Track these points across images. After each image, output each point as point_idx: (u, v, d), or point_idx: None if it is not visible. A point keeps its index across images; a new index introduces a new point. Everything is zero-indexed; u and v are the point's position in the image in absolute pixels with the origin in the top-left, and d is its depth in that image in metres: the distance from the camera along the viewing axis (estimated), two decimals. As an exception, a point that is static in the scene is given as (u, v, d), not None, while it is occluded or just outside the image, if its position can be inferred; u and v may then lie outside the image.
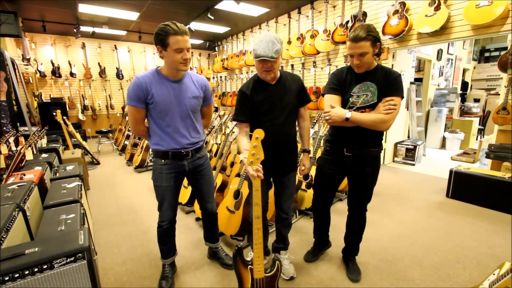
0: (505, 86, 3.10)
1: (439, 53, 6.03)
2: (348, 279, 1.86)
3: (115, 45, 8.07)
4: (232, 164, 3.01)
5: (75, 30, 6.25)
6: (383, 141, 1.74)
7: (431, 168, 4.52)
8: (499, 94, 6.60)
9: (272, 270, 1.47)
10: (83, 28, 6.47)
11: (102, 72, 7.93)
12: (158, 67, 1.60)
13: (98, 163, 5.22)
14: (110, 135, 7.39)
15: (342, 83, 1.66)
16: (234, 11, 5.65)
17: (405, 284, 1.81)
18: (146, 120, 1.67)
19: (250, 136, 1.34)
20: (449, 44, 6.18)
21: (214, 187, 2.09)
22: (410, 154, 4.73)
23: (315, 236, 2.10)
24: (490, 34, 3.33)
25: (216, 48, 8.71)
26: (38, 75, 7.01)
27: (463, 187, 3.15)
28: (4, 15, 4.32)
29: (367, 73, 1.61)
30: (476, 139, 6.18)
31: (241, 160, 2.82)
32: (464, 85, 7.57)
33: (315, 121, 3.11)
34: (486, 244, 2.27)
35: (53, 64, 7.17)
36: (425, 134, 5.98)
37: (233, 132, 3.22)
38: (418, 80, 5.95)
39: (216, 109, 6.89)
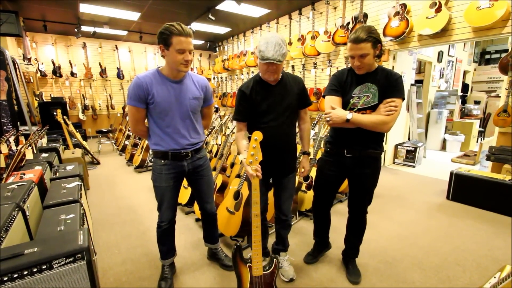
0: (506, 89, 3.10)
1: (440, 55, 6.03)
2: (348, 281, 1.86)
3: (116, 45, 8.08)
4: (232, 165, 3.01)
5: (76, 30, 6.25)
6: (383, 143, 1.73)
7: (432, 170, 4.51)
8: (499, 96, 6.59)
9: (270, 267, 1.48)
10: (84, 28, 6.48)
11: (102, 72, 7.93)
12: (159, 67, 1.60)
13: (98, 163, 5.21)
14: (111, 135, 7.40)
15: (343, 85, 1.66)
16: (235, 12, 5.65)
17: (405, 286, 1.81)
18: (146, 120, 1.67)
19: (249, 138, 1.35)
20: (449, 46, 6.18)
21: (213, 188, 2.08)
22: (411, 156, 4.73)
23: (315, 237, 2.10)
24: (491, 36, 3.33)
25: (217, 48, 8.72)
26: (38, 74, 7.01)
27: (463, 189, 3.14)
28: (5, 15, 4.33)
29: (368, 75, 1.61)
30: (477, 141, 6.18)
31: (240, 161, 2.82)
32: (465, 87, 7.57)
33: (315, 122, 3.11)
34: (486, 246, 2.26)
35: (54, 63, 7.18)
36: (426, 136, 5.98)
37: (233, 133, 3.22)
38: (419, 82, 5.96)
39: (217, 110, 6.88)
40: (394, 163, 4.96)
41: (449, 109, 6.11)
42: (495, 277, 1.35)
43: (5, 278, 1.06)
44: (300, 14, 5.40)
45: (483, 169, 3.90)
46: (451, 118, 6.19)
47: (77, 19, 6.05)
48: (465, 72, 7.48)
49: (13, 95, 4.18)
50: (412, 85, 5.20)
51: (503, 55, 3.17)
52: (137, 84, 1.51)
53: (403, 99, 1.57)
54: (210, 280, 1.89)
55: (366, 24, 3.68)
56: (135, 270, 2.00)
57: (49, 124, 5.06)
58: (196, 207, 2.70)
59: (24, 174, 2.15)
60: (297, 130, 1.83)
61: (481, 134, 6.47)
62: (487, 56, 7.97)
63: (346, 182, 1.89)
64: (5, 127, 3.75)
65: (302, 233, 2.49)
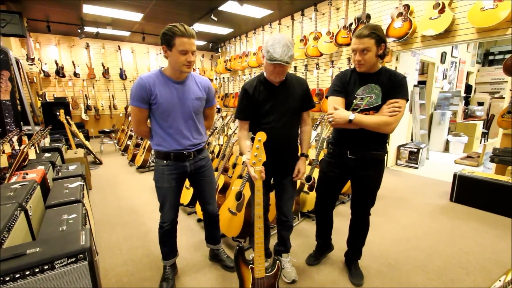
0: (510, 90, 3.07)
1: (443, 56, 6.00)
2: (350, 283, 1.84)
3: (118, 46, 8.11)
4: (234, 166, 3.00)
5: (79, 31, 6.28)
6: (386, 144, 1.72)
7: (435, 172, 4.48)
8: (503, 98, 6.56)
9: (273, 269, 1.48)
10: (87, 29, 6.51)
11: (105, 73, 7.96)
12: (162, 67, 1.60)
13: (101, 163, 5.23)
14: (113, 135, 7.41)
15: (346, 85, 1.65)
16: (237, 13, 5.66)
17: (408, 289, 1.79)
18: (148, 121, 1.67)
19: (252, 139, 1.34)
20: (453, 47, 6.15)
21: (215, 189, 2.08)
22: (413, 157, 4.70)
23: (318, 239, 2.08)
24: (495, 37, 3.30)
25: (219, 49, 8.73)
26: (42, 75, 7.05)
27: (467, 191, 3.12)
28: (9, 15, 4.36)
29: (371, 75, 1.60)
30: (480, 143, 6.14)
31: (243, 161, 2.81)
32: (468, 88, 7.52)
33: (317, 123, 3.10)
34: (490, 249, 2.24)
35: (57, 64, 7.22)
36: (429, 137, 5.94)
37: (235, 134, 3.21)
38: (422, 83, 5.92)
39: (219, 110, 6.89)
40: (396, 164, 4.93)
41: (452, 110, 6.07)
42: (500, 281, 1.33)
43: (7, 278, 1.05)
44: (302, 15, 5.39)
45: (486, 171, 3.87)
46: (454, 120, 6.16)
47: (80, 20, 6.08)
48: (468, 73, 7.44)
49: (17, 95, 4.20)
50: (415, 86, 5.17)
51: (507, 56, 3.15)
52: (140, 84, 1.51)
53: (407, 100, 1.56)
54: (211, 281, 1.89)
55: (369, 25, 3.67)
56: (137, 271, 2.00)
57: (52, 124, 5.07)
58: (198, 207, 2.70)
59: (27, 174, 2.16)
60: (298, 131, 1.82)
61: (485, 135, 6.42)
62: (491, 57, 7.92)
63: (348, 183, 1.88)
64: (8, 127, 3.77)
65: (304, 234, 2.48)
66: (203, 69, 9.36)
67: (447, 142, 5.90)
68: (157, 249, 1.89)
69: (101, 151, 6.13)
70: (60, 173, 2.61)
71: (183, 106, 1.61)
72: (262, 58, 6.22)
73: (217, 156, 3.34)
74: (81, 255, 1.19)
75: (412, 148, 4.72)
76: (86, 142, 5.29)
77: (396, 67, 4.33)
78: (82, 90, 7.79)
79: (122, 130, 6.71)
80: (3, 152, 2.61)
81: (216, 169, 2.89)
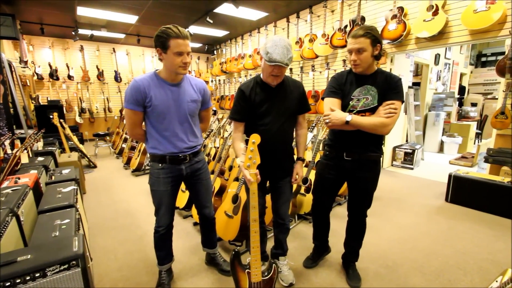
0: (503, 91, 3.11)
1: (437, 58, 6.07)
2: (348, 286, 1.83)
3: (113, 48, 8.06)
4: (231, 168, 2.99)
5: (73, 33, 6.23)
6: (382, 146, 1.72)
7: (430, 172, 4.51)
8: (496, 99, 6.64)
9: (269, 273, 1.46)
10: (81, 31, 6.46)
11: (100, 75, 7.90)
12: (157, 70, 1.58)
13: (95, 167, 5.17)
14: (108, 138, 7.35)
15: (342, 87, 1.65)
16: (233, 15, 5.66)
17: (406, 291, 1.79)
18: (143, 124, 1.65)
19: (246, 141, 1.33)
20: (446, 48, 6.23)
21: (212, 192, 2.06)
22: (409, 158, 4.73)
23: (315, 241, 2.07)
24: (488, 39, 3.35)
25: (215, 51, 8.73)
26: (35, 77, 6.98)
27: (462, 191, 3.14)
28: (2, 18, 4.30)
29: (367, 77, 1.60)
30: (474, 143, 6.20)
31: (238, 165, 2.80)
32: (461, 90, 7.61)
33: (314, 125, 3.10)
34: (487, 249, 2.25)
35: (50, 66, 7.15)
36: (423, 138, 5.99)
37: (232, 136, 3.20)
38: (416, 84, 5.97)
39: (215, 113, 6.87)
40: (392, 165, 4.95)
41: (447, 111, 6.13)
42: (496, 281, 1.33)
43: (-3, 287, 1.02)
44: (298, 17, 5.41)
45: (481, 171, 3.91)
46: (449, 120, 6.22)
47: (74, 22, 6.04)
48: (461, 75, 7.53)
49: (9, 98, 4.14)
50: (409, 87, 5.21)
51: (499, 57, 3.20)
52: (135, 87, 1.49)
53: (403, 101, 1.57)
54: (208, 285, 1.86)
55: (363, 27, 3.70)
56: (132, 276, 1.97)
57: (45, 128, 5.02)
58: (194, 211, 2.67)
59: (19, 178, 2.11)
60: (294, 135, 1.82)
61: (478, 136, 6.49)
62: (483, 59, 8.03)
63: (345, 185, 1.87)
64: (0, 131, 3.71)
65: (301, 236, 2.47)
66: (199, 71, 9.34)
67: (442, 142, 5.95)
68: (153, 253, 1.86)
69: (96, 154, 6.06)
70: (53, 177, 2.57)
71: (178, 109, 1.59)
72: (260, 60, 6.23)
73: (213, 158, 3.32)
74: (73, 262, 1.17)
75: (407, 149, 4.75)
76: (80, 146, 5.23)
77: (390, 69, 4.36)
78: (76, 93, 7.72)
79: (117, 133, 6.65)
80: (-5, 156, 2.56)
81: (212, 172, 2.87)
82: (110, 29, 6.65)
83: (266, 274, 1.46)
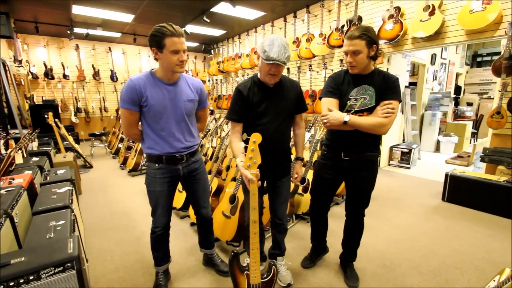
0: (499, 91, 3.13)
1: (433, 58, 6.10)
2: (346, 286, 1.83)
3: (109, 47, 8.00)
4: (228, 168, 2.97)
5: (68, 32, 6.17)
6: (380, 145, 1.72)
7: (426, 172, 4.54)
8: (491, 98, 6.70)
9: (268, 275, 1.45)
10: (76, 30, 6.40)
11: (96, 74, 7.84)
12: (153, 69, 1.57)
13: (91, 167, 5.13)
14: (104, 138, 7.29)
15: (339, 87, 1.65)
16: (230, 14, 5.64)
17: (404, 290, 1.79)
18: (140, 124, 1.63)
19: (246, 140, 1.31)
20: (442, 48, 6.26)
21: (209, 192, 2.05)
22: (406, 157, 4.75)
23: (313, 241, 2.07)
24: (484, 39, 3.37)
25: (212, 51, 8.70)
26: (30, 77, 6.89)
27: (458, 190, 3.16)
28: (-5, 16, 4.24)
29: (364, 77, 1.60)
30: (470, 143, 6.25)
31: (236, 164, 2.79)
32: (457, 89, 7.67)
33: (311, 124, 3.09)
34: (483, 248, 2.26)
35: (45, 65, 7.07)
36: (420, 138, 6.03)
37: (229, 136, 3.18)
38: (413, 84, 6.01)
39: (212, 112, 6.84)
40: (389, 164, 4.97)
41: (443, 111, 6.17)
42: (494, 280, 1.34)
43: (-10, 290, 1.00)
44: (295, 17, 5.41)
45: (477, 170, 3.93)
46: (445, 120, 6.25)
47: (69, 20, 5.98)
48: (457, 75, 7.58)
49: (3, 97, 4.09)
50: (406, 87, 5.24)
51: (494, 57, 3.22)
52: (130, 86, 1.47)
53: (400, 101, 1.57)
54: (205, 286, 1.85)
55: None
56: (129, 277, 1.95)
57: (40, 127, 4.95)
58: (191, 211, 2.65)
59: (13, 179, 2.08)
60: (291, 135, 1.81)
61: (474, 135, 6.54)
62: (479, 59, 8.09)
63: (343, 184, 1.87)
64: (-6, 131, 3.66)
65: (299, 236, 2.46)
66: (196, 70, 9.31)
67: (438, 142, 5.99)
68: (149, 254, 1.84)
69: (92, 154, 6.01)
70: (48, 178, 2.54)
71: (175, 108, 1.57)
72: (257, 59, 6.21)
73: (210, 158, 3.30)
74: (68, 264, 1.15)
75: (404, 148, 4.77)
76: (76, 146, 5.18)
77: (387, 69, 4.37)
78: (71, 92, 7.65)
79: (113, 132, 6.60)
80: (-12, 156, 2.52)
81: (210, 172, 2.85)
82: (106, 28, 6.59)
83: (265, 276, 1.45)
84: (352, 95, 1.61)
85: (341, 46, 4.50)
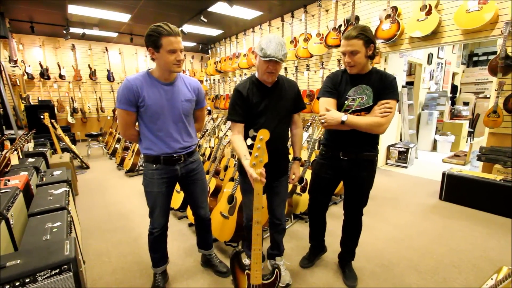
0: (495, 90, 3.14)
1: (430, 57, 6.13)
2: (345, 285, 1.83)
3: (106, 47, 7.95)
4: (226, 168, 2.97)
5: (64, 32, 6.12)
6: (378, 145, 1.72)
7: (424, 171, 4.56)
8: (487, 97, 6.74)
9: (270, 278, 1.43)
10: (73, 30, 6.35)
11: (92, 74, 7.79)
12: (150, 69, 1.56)
13: (88, 168, 5.09)
14: (100, 138, 7.25)
15: (337, 86, 1.65)
16: (227, 14, 5.63)
17: (402, 290, 1.80)
18: (137, 124, 1.62)
19: (253, 137, 1.27)
20: (439, 48, 6.29)
21: (207, 192, 2.04)
22: (403, 156, 4.77)
23: (311, 241, 2.07)
24: (480, 39, 3.39)
25: (209, 50, 8.68)
26: (25, 77, 6.83)
27: (455, 189, 3.17)
28: (-11, 16, 4.20)
29: (362, 76, 1.60)
30: (466, 142, 6.29)
31: (234, 164, 2.78)
32: (454, 89, 7.71)
33: (309, 124, 3.09)
34: (481, 247, 2.27)
35: (41, 66, 7.01)
36: (417, 137, 6.05)
37: (227, 135, 3.18)
38: (410, 84, 6.03)
39: (209, 112, 6.83)
40: (386, 164, 4.99)
41: (439, 110, 6.20)
42: (492, 279, 1.34)
43: (-15, 294, 0.99)
44: (292, 16, 5.41)
45: (473, 169, 3.95)
46: (441, 119, 6.29)
47: (65, 20, 5.93)
48: (454, 74, 7.63)
49: (-2, 98, 4.04)
50: (403, 86, 5.26)
51: (490, 57, 3.24)
52: (127, 86, 1.46)
53: (397, 100, 1.57)
54: (204, 287, 1.84)
55: (358, 26, 3.71)
56: (126, 279, 1.94)
57: (36, 128, 4.90)
58: (189, 211, 2.64)
59: (8, 181, 2.06)
60: (289, 134, 1.80)
61: (471, 134, 6.58)
62: (475, 58, 8.15)
63: (341, 184, 1.87)
64: (-11, 132, 3.62)
65: (297, 236, 2.46)
66: (193, 70, 9.28)
67: (435, 141, 6.02)
68: (147, 256, 1.83)
69: (88, 155, 5.97)
70: (44, 179, 2.52)
71: (172, 108, 1.56)
72: (254, 59, 6.21)
73: (208, 158, 3.29)
74: (65, 266, 1.14)
75: (401, 147, 4.79)
76: (72, 146, 5.14)
77: (384, 68, 4.39)
78: (68, 92, 7.59)
79: (110, 133, 6.57)
80: (-17, 158, 2.49)
81: (207, 172, 2.84)
82: (102, 27, 6.55)
83: (267, 278, 1.43)
84: (350, 94, 1.61)
85: (338, 45, 4.51)
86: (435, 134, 6.05)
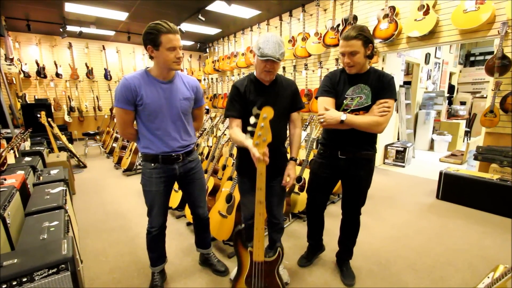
0: (492, 90, 3.16)
1: (427, 57, 6.15)
2: (342, 284, 1.84)
3: (103, 46, 7.90)
4: (224, 167, 2.96)
5: (61, 30, 6.08)
6: (376, 144, 1.73)
7: (421, 170, 4.58)
8: (484, 97, 6.79)
9: (272, 256, 1.45)
10: (69, 28, 6.31)
11: (89, 73, 7.74)
12: (148, 68, 1.55)
13: (85, 167, 5.06)
14: (98, 137, 7.22)
15: (335, 86, 1.65)
16: (225, 13, 5.62)
17: (399, 288, 1.81)
18: (135, 123, 1.61)
19: (256, 116, 1.23)
20: (436, 48, 6.32)
21: (205, 191, 2.03)
22: (400, 156, 4.79)
23: (309, 240, 2.07)
24: (477, 39, 3.41)
25: (207, 49, 8.65)
26: (22, 75, 6.77)
27: (452, 188, 3.19)
28: (-15, 13, 4.15)
29: (360, 76, 1.61)
30: (463, 141, 6.33)
31: (233, 163, 2.78)
32: (451, 88, 7.75)
33: (307, 123, 3.10)
34: (477, 246, 2.29)
35: (38, 64, 6.95)
36: (414, 136, 6.08)
37: (225, 135, 3.17)
38: (407, 83, 6.06)
39: (207, 111, 6.82)
40: (384, 163, 5.01)
41: (437, 110, 6.23)
42: (488, 277, 1.36)
43: (-19, 293, 0.98)
44: (290, 15, 5.41)
45: (470, 169, 3.98)
46: (439, 119, 6.32)
47: (62, 18, 5.88)
48: (451, 74, 7.66)
49: (-6, 96, 4.00)
50: (401, 86, 5.28)
51: (487, 57, 3.26)
52: (125, 85, 1.45)
53: (395, 100, 1.58)
54: (202, 286, 1.84)
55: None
56: (124, 278, 1.93)
57: (32, 127, 4.88)
58: (187, 210, 2.64)
59: (5, 180, 2.04)
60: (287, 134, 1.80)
61: (467, 134, 6.62)
62: (472, 58, 8.19)
63: (339, 183, 1.87)
64: (-15, 130, 3.59)
65: (295, 235, 2.46)
66: (191, 69, 9.25)
67: (432, 140, 6.05)
68: (145, 255, 1.83)
69: (85, 154, 5.94)
70: (41, 178, 2.50)
71: (170, 107, 1.56)
72: (252, 58, 6.20)
73: (206, 157, 3.29)
74: (62, 266, 1.13)
75: (399, 147, 4.81)
76: (69, 145, 5.11)
77: (382, 68, 4.40)
78: (64, 91, 7.54)
79: (107, 132, 6.53)
80: (-21, 156, 2.47)
81: (206, 171, 2.84)
82: (99, 26, 6.51)
83: (269, 255, 1.45)
84: (348, 94, 1.61)
85: (336, 45, 4.52)
86: (432, 133, 6.09)
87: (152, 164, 1.60)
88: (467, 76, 8.12)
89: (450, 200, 3.22)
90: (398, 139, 5.46)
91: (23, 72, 6.78)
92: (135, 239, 2.46)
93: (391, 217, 2.85)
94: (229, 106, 1.61)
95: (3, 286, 1.02)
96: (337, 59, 4.76)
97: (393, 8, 3.81)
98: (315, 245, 2.08)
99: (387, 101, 1.53)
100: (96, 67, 7.89)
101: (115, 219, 2.87)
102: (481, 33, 3.22)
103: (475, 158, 3.32)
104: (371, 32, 3.92)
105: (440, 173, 3.29)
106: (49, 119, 4.79)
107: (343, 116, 1.51)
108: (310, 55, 5.01)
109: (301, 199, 2.71)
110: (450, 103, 7.55)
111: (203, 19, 5.54)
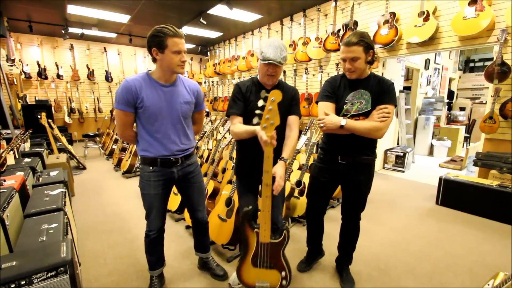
0: (491, 96, 3.18)
1: (427, 63, 6.19)
2: (341, 289, 1.83)
3: (104, 48, 7.94)
4: (224, 170, 2.96)
5: (63, 31, 6.11)
6: (376, 149, 1.73)
7: (420, 175, 4.58)
8: (483, 103, 6.81)
9: (278, 238, 1.48)
10: (71, 30, 6.34)
11: (90, 75, 7.76)
12: (149, 70, 1.56)
13: (84, 168, 5.06)
14: (98, 139, 7.21)
15: (336, 91, 1.66)
16: (226, 17, 5.65)
17: (399, 294, 1.80)
18: (134, 125, 1.62)
19: (265, 98, 1.26)
20: (436, 54, 6.35)
21: (205, 195, 2.03)
22: (400, 161, 4.79)
23: (308, 245, 2.07)
24: (477, 45, 3.43)
25: (208, 52, 8.69)
26: (23, 76, 6.79)
27: (452, 194, 3.19)
28: (-12, 14, 4.18)
29: (360, 81, 1.62)
30: (463, 147, 6.33)
31: (233, 166, 2.77)
32: (450, 94, 7.78)
33: (307, 127, 3.10)
34: (476, 251, 2.29)
35: (39, 65, 6.97)
36: (414, 142, 6.09)
37: (225, 138, 3.18)
38: (407, 89, 6.08)
39: (208, 114, 6.83)
40: (384, 168, 5.01)
41: (436, 115, 6.25)
42: (488, 284, 1.35)
43: (-21, 296, 0.98)
44: (291, 20, 5.44)
45: (469, 174, 3.98)
46: (438, 124, 6.33)
47: (64, 20, 5.92)
48: (450, 80, 7.70)
49: (-5, 97, 4.02)
50: (400, 91, 5.30)
51: (486, 63, 3.28)
52: (126, 87, 1.46)
53: (395, 105, 1.58)
54: (200, 290, 1.83)
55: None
56: (122, 281, 1.92)
57: (32, 128, 4.88)
58: (186, 214, 2.63)
59: (4, 181, 2.04)
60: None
61: (467, 139, 6.63)
62: (471, 64, 8.24)
63: (339, 188, 1.87)
64: (-15, 131, 3.59)
65: (295, 240, 2.46)
66: (192, 72, 9.29)
67: (432, 146, 6.06)
68: (144, 258, 1.82)
69: (85, 155, 5.94)
70: (40, 179, 2.50)
71: (171, 110, 1.56)
72: (254, 61, 6.23)
73: (206, 160, 3.29)
74: (61, 268, 1.13)
75: (398, 152, 4.82)
76: (69, 147, 5.11)
77: (382, 73, 4.42)
78: (65, 92, 7.55)
79: (107, 133, 6.53)
80: (-21, 157, 2.47)
81: (205, 174, 2.84)
82: (101, 28, 6.54)
83: (276, 237, 1.47)
84: (348, 99, 1.62)
85: (337, 50, 4.54)
86: (432, 139, 6.09)
87: (151, 167, 1.60)
88: (467, 82, 8.16)
89: (449, 206, 3.22)
90: (397, 144, 5.47)
91: (24, 73, 6.80)
92: (134, 241, 2.45)
93: (391, 221, 2.84)
94: (231, 104, 1.63)
95: (1, 289, 1.02)
96: (337, 64, 4.78)
97: (393, 14, 3.84)
98: (314, 250, 2.07)
99: (387, 106, 1.54)
100: (97, 69, 7.92)
101: (114, 221, 2.86)
102: (481, 39, 3.24)
103: (475, 164, 3.32)
104: (372, 38, 3.97)
105: (440, 179, 3.29)
106: (49, 120, 4.80)
107: (342, 121, 1.52)
108: (310, 59, 5.04)
109: (301, 204, 2.71)
110: (450, 108, 7.57)
111: (205, 22, 5.58)
